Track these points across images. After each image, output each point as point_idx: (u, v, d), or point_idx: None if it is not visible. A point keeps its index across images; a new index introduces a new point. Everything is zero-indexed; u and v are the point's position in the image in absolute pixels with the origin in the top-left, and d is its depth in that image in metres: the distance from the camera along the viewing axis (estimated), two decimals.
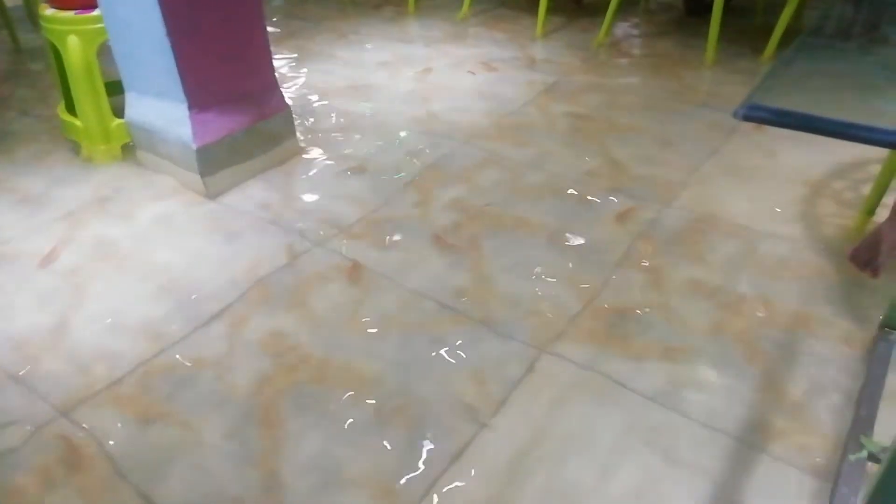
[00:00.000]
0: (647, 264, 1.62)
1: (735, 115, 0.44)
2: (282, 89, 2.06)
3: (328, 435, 1.23)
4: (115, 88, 2.08)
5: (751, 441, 1.19)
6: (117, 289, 1.60)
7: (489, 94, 2.51)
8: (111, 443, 1.23)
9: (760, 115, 0.43)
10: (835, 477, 1.09)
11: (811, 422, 1.22)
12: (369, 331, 1.45)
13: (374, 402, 1.29)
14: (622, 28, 3.12)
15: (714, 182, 1.94)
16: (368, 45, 3.00)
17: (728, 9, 2.77)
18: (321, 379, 1.34)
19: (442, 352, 1.39)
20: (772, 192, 1.87)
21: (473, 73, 2.68)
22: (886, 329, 1.30)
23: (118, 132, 2.08)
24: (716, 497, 1.10)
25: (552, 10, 3.17)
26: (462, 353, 1.39)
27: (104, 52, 2.00)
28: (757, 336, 1.40)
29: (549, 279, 1.58)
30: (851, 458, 1.05)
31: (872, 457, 1.07)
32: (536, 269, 1.61)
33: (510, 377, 1.33)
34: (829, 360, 1.34)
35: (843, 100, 0.48)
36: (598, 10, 3.23)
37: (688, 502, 1.10)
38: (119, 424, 1.26)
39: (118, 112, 2.06)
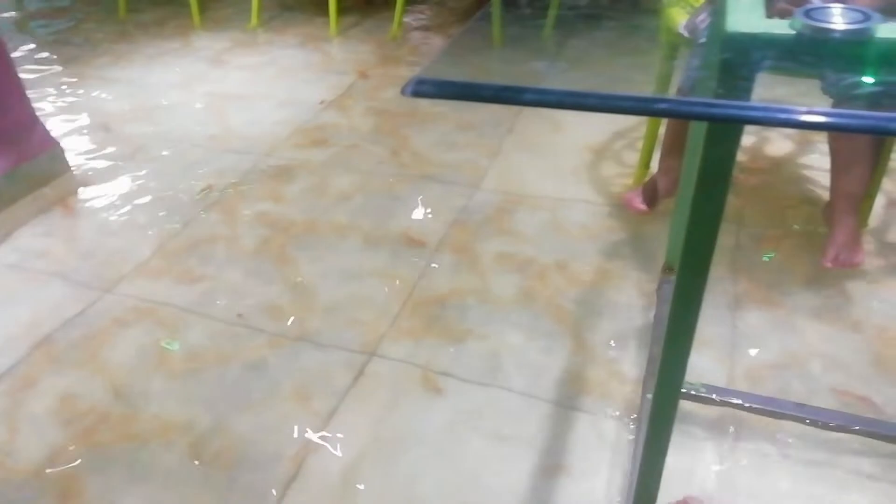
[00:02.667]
0: (461, 249, 1.65)
1: (403, 92, 0.43)
2: (59, 121, 1.85)
3: (145, 496, 1.12)
4: None
5: (568, 401, 1.25)
6: None
7: (288, 102, 2.43)
8: None
9: (426, 89, 0.43)
10: (638, 416, 1.18)
11: (619, 371, 1.31)
12: (179, 372, 1.35)
13: (190, 447, 1.20)
14: (416, 19, 3.17)
15: (514, 160, 2.02)
16: (154, 65, 2.80)
17: None
18: (128, 436, 1.22)
19: (261, 376, 1.33)
20: (564, 161, 1.99)
21: (271, 83, 2.59)
22: (668, 270, 1.43)
23: None
24: (543, 465, 1.14)
25: (344, 9, 3.15)
26: (283, 373, 1.33)
27: None
28: (564, 299, 1.48)
29: (367, 281, 1.56)
30: (648, 396, 1.14)
31: None
32: (354, 273, 1.59)
33: (336, 389, 1.30)
34: (628, 309, 1.45)
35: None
36: (389, 5, 3.25)
37: (518, 477, 1.13)
38: None
39: None
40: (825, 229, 1.53)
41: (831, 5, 0.46)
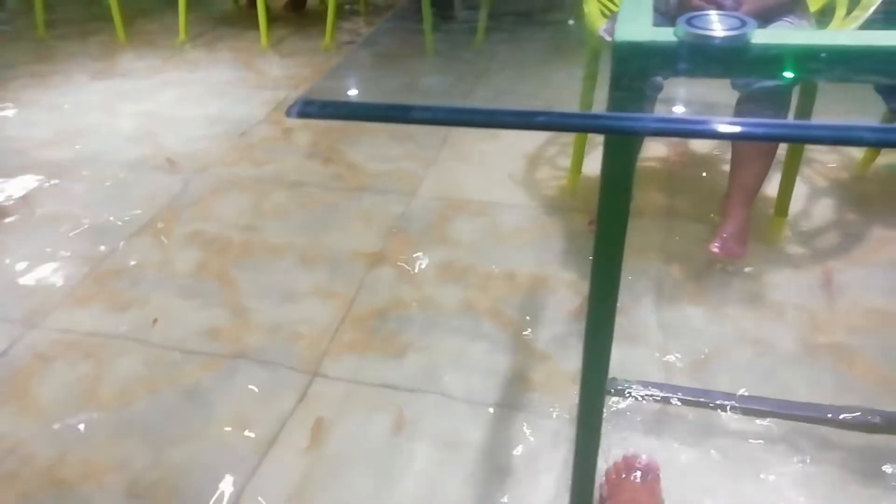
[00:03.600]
0: (400, 259, 1.65)
1: (288, 114, 0.43)
2: None
3: None
4: None
5: (512, 404, 1.26)
6: None
7: (221, 119, 2.39)
8: None
9: (312, 110, 0.43)
10: (578, 413, 1.20)
11: (560, 369, 1.32)
12: (111, 406, 1.30)
13: (124, 485, 1.15)
14: (348, 30, 3.16)
15: (451, 168, 2.03)
16: (76, 85, 2.71)
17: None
18: (54, 482, 1.17)
19: (199, 403, 1.29)
20: (500, 168, 2.01)
21: (202, 100, 2.54)
22: None
23: None
24: (489, 468, 1.15)
25: (275, 22, 3.11)
26: (222, 398, 1.30)
27: None
28: (504, 304, 1.49)
29: (306, 298, 1.54)
30: None
31: (605, 391, 1.18)
32: (292, 291, 1.56)
33: (278, 411, 1.27)
34: (564, 310, 1.47)
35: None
36: (322, 16, 3.23)
37: (466, 482, 1.13)
38: None
39: None
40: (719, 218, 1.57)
41: (710, 13, 0.48)
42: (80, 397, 1.32)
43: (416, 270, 1.61)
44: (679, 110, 2.24)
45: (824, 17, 1.52)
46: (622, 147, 0.50)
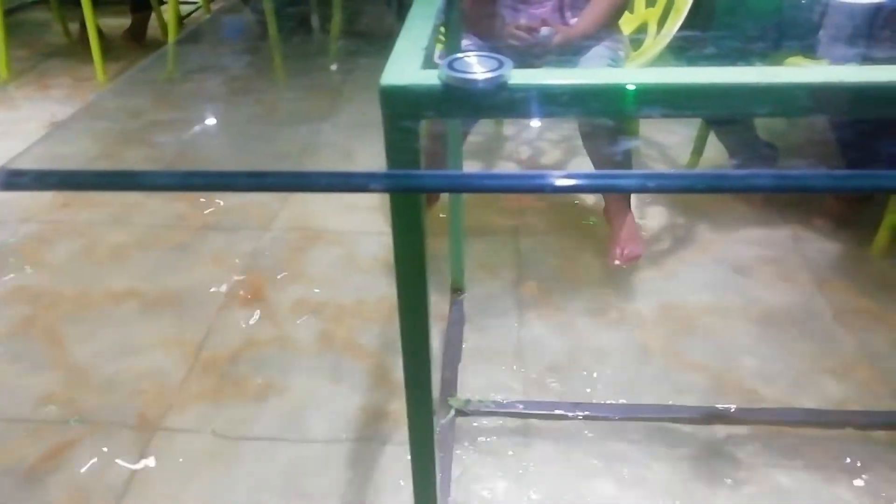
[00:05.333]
0: (252, 297, 1.58)
1: None
2: None
3: None
4: None
5: (372, 438, 1.23)
6: None
7: (52, 160, 2.19)
8: None
9: (23, 181, 0.39)
10: (410, 442, 1.19)
11: None
12: None
13: None
14: (192, 58, 3.02)
15: (306, 197, 1.98)
16: None
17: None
18: None
19: (28, 486, 1.16)
20: (356, 196, 1.98)
21: (31, 141, 2.32)
22: (455, 291, 1.47)
23: None
24: None
25: (112, 53, 2.93)
26: (54, 473, 1.17)
27: None
28: (362, 336, 1.47)
29: (149, 349, 1.44)
30: (442, 421, 1.15)
31: (460, 412, 1.19)
32: (133, 342, 1.45)
33: (116, 482, 1.16)
34: None
35: None
36: (160, 45, 3.08)
37: None
38: None
39: None
40: (606, 229, 1.65)
41: (470, 54, 0.48)
42: None
43: (270, 308, 1.55)
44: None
45: (639, 35, 1.63)
46: (407, 205, 0.49)
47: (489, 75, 0.47)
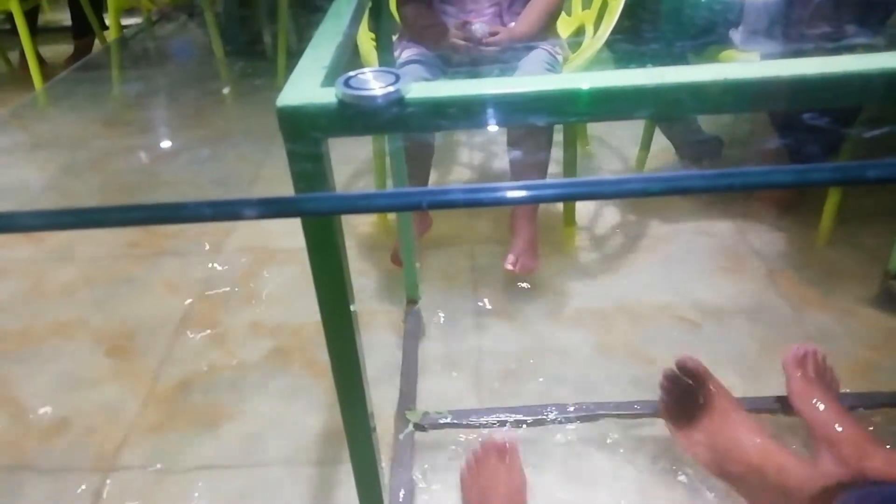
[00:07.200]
0: (207, 323, 1.55)
1: None
2: None
3: None
4: None
5: (331, 458, 1.21)
6: None
7: None
8: None
9: None
10: (391, 456, 1.17)
11: (378, 413, 1.30)
12: None
13: None
14: (141, 76, 2.98)
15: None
16: None
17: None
18: None
19: None
20: None
21: None
22: (410, 303, 1.46)
23: None
24: None
25: (56, 68, 2.87)
26: None
27: None
28: (320, 354, 1.45)
29: (100, 384, 1.40)
30: (400, 436, 1.14)
31: (419, 426, 1.18)
32: (83, 379, 1.41)
33: None
34: (382, 348, 1.45)
35: None
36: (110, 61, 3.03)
37: None
38: None
39: None
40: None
41: (365, 70, 0.48)
42: None
43: (226, 333, 1.52)
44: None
45: (578, 38, 1.65)
46: (320, 227, 0.48)
47: (385, 91, 0.46)
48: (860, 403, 1.18)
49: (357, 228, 1.87)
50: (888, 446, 0.97)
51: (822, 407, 1.03)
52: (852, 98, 0.46)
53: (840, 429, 0.97)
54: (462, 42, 1.43)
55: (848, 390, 1.24)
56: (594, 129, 2.31)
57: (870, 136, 1.57)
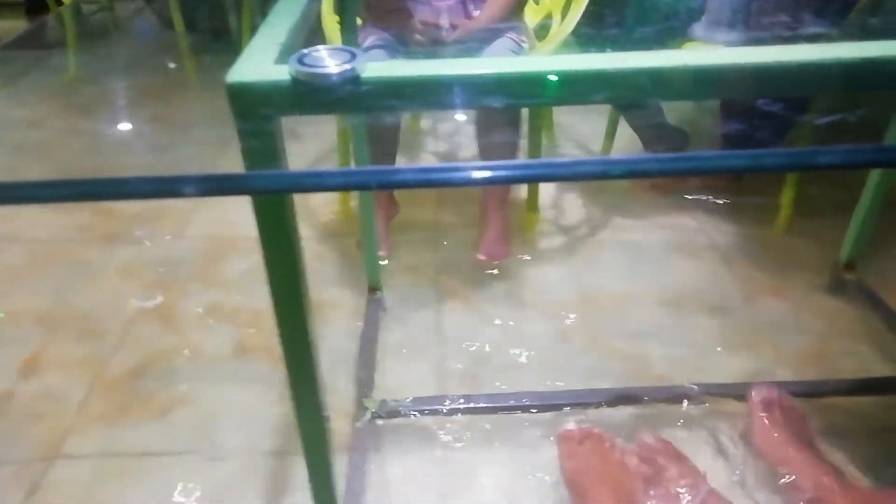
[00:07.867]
0: (163, 309, 1.51)
1: None
2: None
3: None
4: None
5: (288, 448, 1.19)
6: None
7: None
8: None
9: None
10: (350, 446, 1.16)
11: (336, 401, 1.28)
12: None
13: None
14: (97, 58, 2.88)
15: (221, 202, 1.91)
16: None
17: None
18: None
19: None
20: None
21: None
22: (371, 290, 1.45)
23: None
24: None
25: (8, 56, 2.75)
26: None
27: None
28: (275, 341, 1.42)
29: (47, 371, 1.35)
30: (358, 424, 1.13)
31: (377, 415, 1.17)
32: (29, 366, 1.36)
33: None
34: (344, 336, 1.43)
35: None
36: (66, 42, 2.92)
37: None
38: None
39: None
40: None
41: (319, 48, 0.46)
42: None
43: (182, 319, 1.48)
44: None
45: (543, 31, 1.64)
46: (271, 206, 0.47)
47: (340, 69, 0.45)
48: (809, 391, 1.21)
49: (320, 217, 1.84)
50: (849, 468, 1.00)
51: (789, 453, 1.05)
52: (809, 87, 0.47)
53: (805, 473, 1.00)
54: (422, 38, 1.41)
55: (798, 378, 1.28)
56: (560, 124, 2.31)
57: (822, 123, 1.60)
